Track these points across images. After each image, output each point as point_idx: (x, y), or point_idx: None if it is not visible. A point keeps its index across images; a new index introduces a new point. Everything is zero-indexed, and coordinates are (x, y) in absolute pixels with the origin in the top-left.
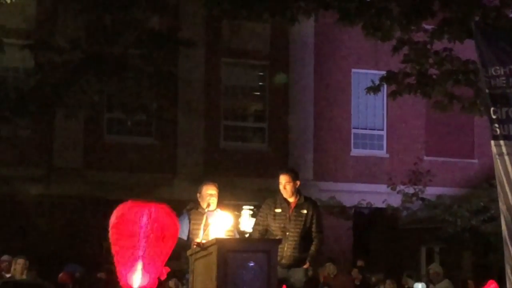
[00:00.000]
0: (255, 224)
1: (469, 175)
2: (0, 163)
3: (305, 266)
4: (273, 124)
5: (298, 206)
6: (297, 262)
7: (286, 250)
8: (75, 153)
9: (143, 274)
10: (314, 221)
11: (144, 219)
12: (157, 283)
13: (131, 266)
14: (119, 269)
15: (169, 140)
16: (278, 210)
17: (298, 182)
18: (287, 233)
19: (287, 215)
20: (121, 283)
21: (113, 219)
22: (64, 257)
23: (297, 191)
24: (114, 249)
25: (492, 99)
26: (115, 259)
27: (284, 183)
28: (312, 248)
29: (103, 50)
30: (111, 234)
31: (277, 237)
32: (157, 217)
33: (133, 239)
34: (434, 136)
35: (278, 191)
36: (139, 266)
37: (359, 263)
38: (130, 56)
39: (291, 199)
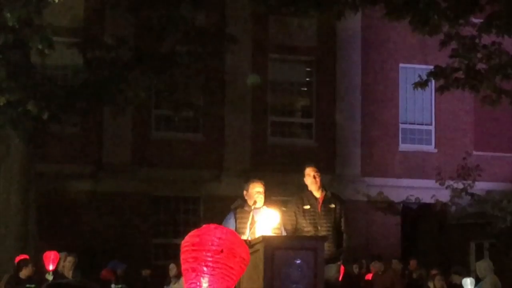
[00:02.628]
0: (283, 224)
1: None
2: (49, 160)
3: (339, 262)
4: (320, 119)
5: (326, 201)
6: (331, 258)
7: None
8: (123, 149)
9: None
10: (342, 215)
11: (215, 238)
12: None
13: (195, 283)
14: (185, 281)
15: (216, 136)
16: (307, 207)
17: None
18: (319, 228)
19: (317, 211)
20: None
21: (187, 238)
22: (112, 253)
23: (323, 186)
24: (184, 266)
25: None
26: (184, 275)
27: (314, 174)
28: (344, 244)
29: (150, 47)
30: (184, 253)
31: (309, 234)
32: (231, 239)
33: (208, 256)
34: (483, 131)
35: (305, 188)
36: (204, 282)
37: (412, 263)
38: (177, 53)
39: (318, 194)
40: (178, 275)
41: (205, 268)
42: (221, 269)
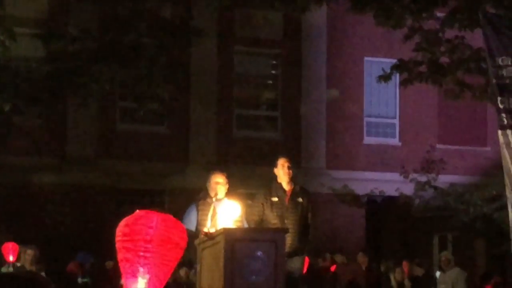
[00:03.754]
0: (251, 214)
1: (481, 163)
2: (12, 152)
3: (303, 256)
4: (285, 112)
5: (294, 194)
6: (296, 251)
7: (286, 239)
8: (88, 142)
9: (148, 281)
10: (309, 209)
11: (150, 225)
12: None
13: (135, 272)
14: (125, 275)
15: (182, 129)
16: (275, 199)
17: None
18: (285, 221)
19: (284, 203)
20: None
21: (119, 228)
22: (77, 246)
23: (293, 180)
24: (119, 257)
25: (500, 89)
26: (119, 264)
27: (288, 165)
28: (309, 237)
29: (115, 39)
30: (117, 242)
31: (275, 226)
32: (163, 226)
33: (139, 246)
34: (447, 124)
35: (274, 179)
36: (144, 273)
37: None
38: (142, 46)
39: (287, 187)
40: None
41: (139, 258)
42: (155, 257)
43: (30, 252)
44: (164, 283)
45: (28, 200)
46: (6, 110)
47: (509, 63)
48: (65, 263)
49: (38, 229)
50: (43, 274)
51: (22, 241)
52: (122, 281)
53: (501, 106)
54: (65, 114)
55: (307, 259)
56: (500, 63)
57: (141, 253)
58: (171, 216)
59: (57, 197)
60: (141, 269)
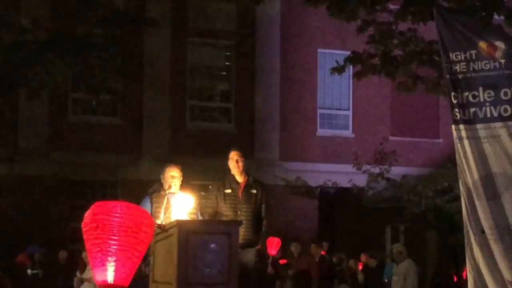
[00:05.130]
0: (204, 207)
1: (434, 155)
2: None
3: (257, 247)
4: (239, 104)
5: (248, 186)
6: (249, 243)
7: (240, 231)
8: (40, 133)
9: (116, 269)
10: (263, 201)
11: (116, 214)
12: (131, 278)
13: (104, 262)
14: (93, 264)
15: (135, 120)
16: (228, 191)
17: (246, 162)
18: (239, 213)
19: (238, 195)
20: (96, 280)
21: (86, 219)
22: (28, 238)
23: (246, 171)
24: (86, 244)
25: (453, 84)
26: (88, 254)
27: (237, 158)
28: (263, 229)
29: (67, 30)
30: (84, 232)
31: (228, 218)
32: (128, 213)
33: (106, 234)
34: (400, 116)
35: (227, 172)
36: (113, 260)
37: (324, 245)
38: (94, 36)
39: (241, 179)
40: None
41: (109, 246)
42: (123, 245)
43: None
44: (133, 272)
45: None
46: None
47: (462, 58)
48: (16, 255)
49: None
50: None
51: None
52: (91, 271)
53: (454, 101)
54: (17, 105)
55: (279, 242)
56: (454, 58)
57: (110, 241)
58: (134, 204)
59: (8, 188)
60: (109, 258)
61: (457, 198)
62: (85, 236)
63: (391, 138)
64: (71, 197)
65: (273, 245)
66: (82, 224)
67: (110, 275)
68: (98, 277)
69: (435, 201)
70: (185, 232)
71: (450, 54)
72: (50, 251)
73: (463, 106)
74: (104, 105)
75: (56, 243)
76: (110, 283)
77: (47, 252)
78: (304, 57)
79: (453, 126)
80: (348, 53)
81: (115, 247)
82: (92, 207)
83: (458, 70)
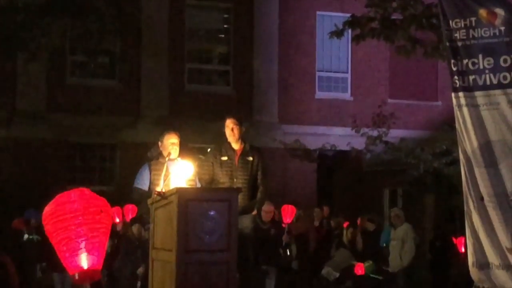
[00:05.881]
0: (201, 173)
1: (432, 117)
2: None
3: (253, 213)
4: (237, 66)
5: (244, 153)
6: (246, 209)
7: None
8: (38, 96)
9: (88, 254)
10: (259, 168)
11: (72, 199)
12: (102, 261)
13: (75, 249)
14: (63, 255)
15: (133, 83)
16: (224, 158)
17: (243, 128)
18: (235, 180)
19: (234, 163)
20: (68, 269)
21: (45, 214)
22: (26, 201)
23: (242, 138)
24: (53, 238)
25: (453, 51)
26: (56, 248)
27: (232, 126)
28: (259, 195)
29: None
30: (46, 225)
31: (225, 185)
32: (87, 197)
33: (70, 220)
34: (398, 79)
35: (224, 138)
36: (82, 245)
37: (325, 209)
38: None
39: (237, 146)
40: None
41: (75, 233)
42: (88, 228)
43: None
44: (103, 253)
45: None
46: None
47: (462, 25)
48: (12, 219)
49: None
50: None
51: None
52: (61, 258)
53: (454, 69)
54: (15, 68)
55: (293, 209)
56: (453, 25)
57: (73, 227)
58: (85, 189)
59: (7, 151)
60: (81, 244)
61: (456, 162)
62: (48, 230)
63: (390, 100)
64: (69, 159)
65: (288, 213)
66: (43, 220)
67: (83, 261)
68: (71, 268)
69: (434, 164)
70: (184, 200)
71: (450, 21)
72: None
73: (463, 73)
74: (102, 68)
75: None
76: (85, 269)
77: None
78: (303, 19)
79: (452, 94)
80: (347, 15)
81: (81, 231)
82: (48, 204)
83: (458, 37)
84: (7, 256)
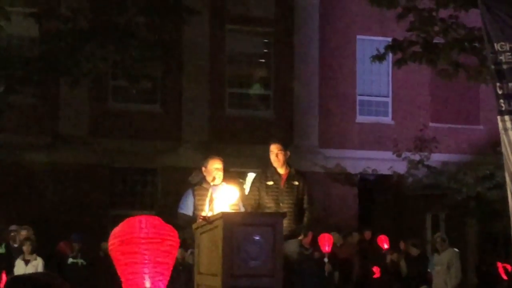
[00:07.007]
0: (247, 198)
1: (474, 141)
2: (5, 131)
3: (299, 238)
4: (278, 91)
5: (290, 178)
6: (292, 234)
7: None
8: (80, 120)
9: (152, 278)
10: (305, 192)
11: (142, 225)
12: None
13: (139, 273)
14: (126, 278)
15: (174, 108)
16: (270, 183)
17: (288, 153)
18: (281, 205)
19: (280, 187)
20: None
21: (113, 234)
22: (69, 226)
23: (287, 163)
24: (118, 260)
25: (498, 74)
26: (119, 271)
27: (277, 152)
28: (305, 220)
29: (107, 18)
30: (112, 246)
31: (271, 210)
32: (155, 224)
33: (137, 245)
34: (439, 102)
35: (269, 163)
36: (147, 270)
37: (367, 233)
38: (134, 25)
39: (282, 171)
40: None
41: (143, 259)
42: (153, 258)
43: (24, 233)
44: (167, 278)
45: (21, 179)
46: (0, 90)
47: (508, 48)
48: (55, 243)
49: (31, 209)
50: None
51: (15, 221)
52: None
53: (499, 92)
54: (58, 93)
55: (331, 238)
56: (499, 48)
57: (140, 252)
58: (153, 216)
59: (50, 176)
60: (145, 269)
61: (499, 186)
62: (112, 249)
63: (431, 124)
64: (111, 184)
65: (326, 242)
66: (109, 241)
67: (147, 285)
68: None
69: (476, 188)
70: (230, 224)
71: (495, 44)
72: (93, 239)
73: (508, 96)
74: (144, 93)
75: (96, 230)
76: None
77: (87, 240)
78: (343, 43)
79: (498, 117)
80: (388, 39)
81: (146, 259)
82: (119, 226)
83: (504, 60)
84: (65, 282)
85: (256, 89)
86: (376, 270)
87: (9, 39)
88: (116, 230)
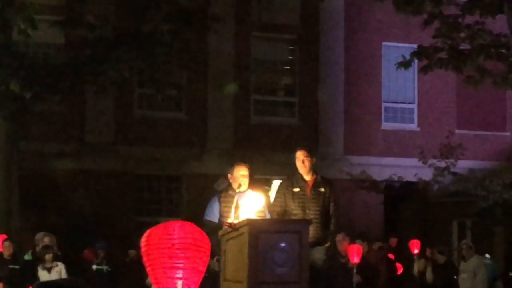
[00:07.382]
0: (273, 205)
1: (501, 148)
2: (32, 139)
3: (326, 245)
4: (303, 98)
5: (316, 185)
6: (319, 241)
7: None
8: (106, 128)
9: (185, 280)
10: (331, 199)
11: (179, 230)
12: None
13: (172, 276)
14: (158, 281)
15: (199, 115)
16: (296, 190)
17: (314, 159)
18: (307, 211)
19: (306, 194)
20: None
21: (147, 237)
22: (94, 232)
23: (313, 169)
24: (148, 264)
25: None
26: (151, 273)
27: (303, 158)
28: (332, 227)
29: (133, 26)
30: (147, 250)
31: (297, 217)
32: (190, 230)
33: (171, 249)
34: (465, 109)
35: (294, 169)
36: (180, 273)
37: (392, 241)
38: (159, 32)
39: (308, 177)
40: None
41: (176, 264)
42: (191, 262)
43: (47, 240)
44: (198, 283)
45: (47, 187)
46: (27, 98)
47: None
48: (81, 250)
49: (57, 216)
50: (59, 262)
51: (42, 228)
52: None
53: None
54: (84, 101)
55: (359, 248)
56: None
57: (180, 259)
58: (192, 223)
59: (76, 183)
60: (179, 274)
61: None
62: (148, 256)
63: (457, 131)
64: (137, 191)
65: (354, 253)
66: (141, 242)
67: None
68: None
69: (503, 195)
70: (256, 231)
71: None
72: (116, 245)
73: None
74: (169, 100)
75: (122, 237)
76: None
77: (112, 247)
78: (369, 50)
79: None
80: (413, 46)
81: (180, 265)
82: (146, 233)
83: None
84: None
85: (281, 96)
86: (399, 267)
87: (35, 47)
88: (151, 232)
